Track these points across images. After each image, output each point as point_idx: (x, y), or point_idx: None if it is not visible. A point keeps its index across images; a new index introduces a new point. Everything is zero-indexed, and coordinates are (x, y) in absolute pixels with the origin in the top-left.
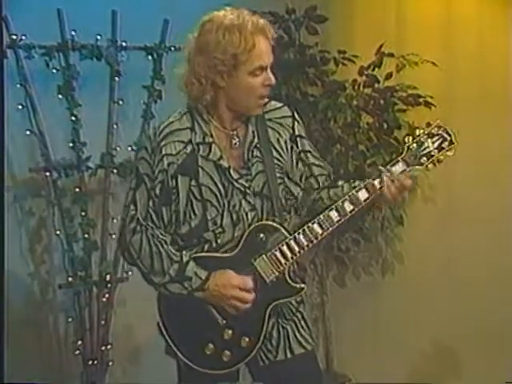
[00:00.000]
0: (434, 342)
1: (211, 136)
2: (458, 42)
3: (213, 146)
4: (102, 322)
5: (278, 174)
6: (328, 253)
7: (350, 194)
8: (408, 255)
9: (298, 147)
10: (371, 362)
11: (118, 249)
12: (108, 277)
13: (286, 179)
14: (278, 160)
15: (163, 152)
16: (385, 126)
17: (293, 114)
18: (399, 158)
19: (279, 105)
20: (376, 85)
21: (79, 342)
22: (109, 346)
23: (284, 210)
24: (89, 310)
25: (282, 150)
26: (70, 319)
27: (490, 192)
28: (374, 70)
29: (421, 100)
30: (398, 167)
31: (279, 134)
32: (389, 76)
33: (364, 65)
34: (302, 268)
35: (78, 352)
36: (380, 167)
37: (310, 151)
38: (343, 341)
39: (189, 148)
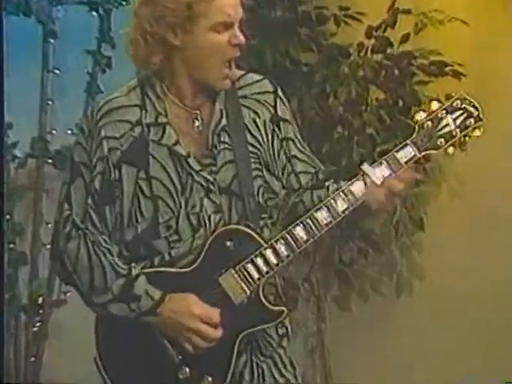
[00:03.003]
0: None
1: (166, 115)
2: None
3: (167, 127)
4: (32, 359)
5: (253, 166)
6: (327, 266)
7: (336, 193)
8: (430, 269)
9: (280, 132)
10: None
11: (51, 261)
12: (40, 299)
13: (264, 172)
14: (254, 147)
15: (102, 134)
16: (400, 102)
17: (275, 89)
18: (408, 141)
19: (257, 77)
20: (389, 50)
21: None
22: None
23: (261, 213)
24: (15, 343)
25: (260, 133)
26: None
27: None
28: (385, 30)
29: (447, 69)
30: (405, 153)
31: (256, 113)
32: (405, 39)
33: (373, 24)
34: (293, 286)
35: None
36: (363, 166)
37: (293, 140)
38: (345, 378)
39: (137, 130)
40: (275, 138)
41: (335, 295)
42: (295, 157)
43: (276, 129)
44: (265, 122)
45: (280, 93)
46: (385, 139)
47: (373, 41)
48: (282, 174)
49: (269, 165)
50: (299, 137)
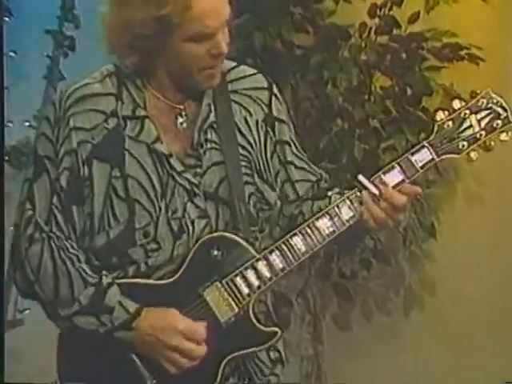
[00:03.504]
0: None
1: (145, 108)
2: None
3: (146, 122)
4: None
5: (243, 170)
6: (325, 280)
7: (340, 200)
8: (443, 283)
9: (274, 135)
10: None
11: (9, 270)
12: None
13: (256, 178)
14: (245, 149)
15: (71, 124)
16: (408, 91)
17: (270, 85)
18: (425, 143)
19: (250, 71)
20: (395, 31)
21: None
22: None
23: (251, 225)
24: None
25: (252, 134)
26: None
27: None
28: (391, 9)
29: (463, 53)
30: (421, 156)
31: (248, 111)
32: (414, 18)
33: (377, 2)
34: (286, 303)
35: None
36: (359, 177)
37: (289, 143)
38: None
39: (111, 122)
40: (268, 140)
41: (334, 313)
42: (291, 163)
43: (269, 130)
44: (257, 121)
45: (275, 90)
46: (391, 133)
47: (377, 20)
48: (276, 181)
49: (261, 171)
50: (295, 140)
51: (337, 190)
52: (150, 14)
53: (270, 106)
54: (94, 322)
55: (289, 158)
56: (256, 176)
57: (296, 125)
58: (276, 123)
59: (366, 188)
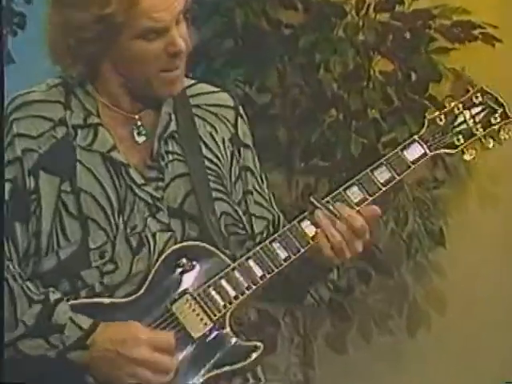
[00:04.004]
0: None
1: (98, 115)
2: None
3: (100, 129)
4: None
5: (212, 185)
6: (318, 296)
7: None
8: (453, 298)
9: (240, 157)
10: None
11: None
12: None
13: (228, 197)
14: (212, 162)
15: (14, 130)
16: (413, 76)
17: (236, 104)
18: (415, 137)
19: (213, 88)
20: (398, 7)
21: None
22: None
23: (224, 247)
24: None
25: (219, 150)
26: None
27: None
28: None
29: (476, 32)
30: (412, 151)
31: (213, 127)
32: None
33: None
34: (271, 322)
35: None
36: (312, 198)
37: (252, 172)
38: None
39: (60, 131)
40: (234, 162)
41: (327, 333)
42: (251, 193)
43: (236, 152)
44: (223, 139)
45: (241, 111)
46: (392, 125)
47: None
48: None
49: (232, 192)
50: (259, 170)
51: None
52: (92, 14)
53: (236, 126)
54: (43, 344)
55: (249, 187)
56: (224, 193)
57: (284, 114)
58: (241, 148)
59: (319, 208)
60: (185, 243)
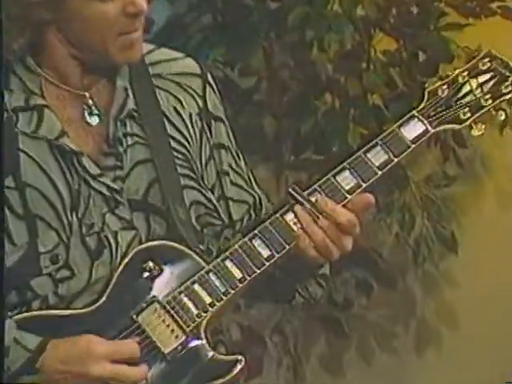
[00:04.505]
0: None
1: (42, 95)
2: None
3: (46, 112)
4: None
5: (180, 170)
6: (309, 310)
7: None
8: (467, 313)
9: (211, 135)
10: None
11: None
12: None
13: (199, 183)
14: (179, 143)
15: None
16: (421, 56)
17: (202, 72)
18: (414, 112)
19: (176, 54)
20: None
21: None
22: None
23: (198, 242)
24: None
25: (186, 127)
26: None
27: None
28: None
29: (494, 6)
30: (410, 128)
31: (179, 100)
32: None
33: None
34: (257, 340)
35: None
36: (291, 189)
37: (226, 148)
38: None
39: None
40: (204, 140)
41: (321, 354)
42: (226, 174)
43: (206, 128)
44: (191, 115)
45: (210, 79)
46: (396, 113)
47: None
48: (212, 193)
49: (203, 176)
50: (235, 145)
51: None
52: None
53: (204, 98)
54: None
55: (224, 167)
56: (200, 180)
57: (271, 101)
58: (212, 121)
59: (299, 202)
60: (150, 243)
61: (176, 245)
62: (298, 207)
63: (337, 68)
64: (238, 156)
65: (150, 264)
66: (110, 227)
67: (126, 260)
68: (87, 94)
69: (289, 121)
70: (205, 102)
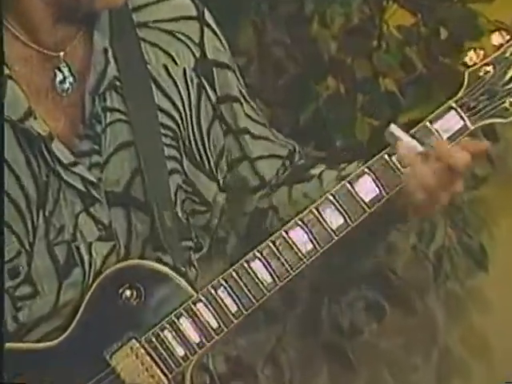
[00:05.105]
0: None
1: (4, 62)
2: None
3: (9, 84)
4: None
5: (167, 151)
6: (308, 337)
7: (338, 188)
8: (498, 340)
9: (213, 89)
10: None
11: None
12: None
13: (184, 162)
14: (169, 116)
15: None
16: (442, 33)
17: (200, 12)
18: (451, 103)
19: None
20: None
21: None
22: None
23: (185, 239)
24: None
25: (179, 92)
26: None
27: None
28: None
29: None
30: (446, 123)
31: (170, 56)
32: None
33: None
34: (247, 372)
35: None
36: (391, 127)
37: (239, 100)
38: None
39: None
40: (203, 99)
41: None
42: (245, 131)
43: (205, 83)
44: (185, 71)
45: (209, 18)
46: (414, 100)
47: None
48: (218, 164)
49: (193, 151)
50: (249, 95)
51: (322, 166)
52: None
53: (201, 44)
54: None
55: (241, 124)
56: (185, 159)
57: (263, 87)
58: (214, 70)
59: (402, 142)
60: (127, 263)
61: (158, 266)
62: (403, 148)
63: (342, 46)
64: (254, 107)
65: (127, 292)
66: (84, 235)
67: (99, 281)
68: (61, 54)
69: (284, 109)
70: (202, 49)
